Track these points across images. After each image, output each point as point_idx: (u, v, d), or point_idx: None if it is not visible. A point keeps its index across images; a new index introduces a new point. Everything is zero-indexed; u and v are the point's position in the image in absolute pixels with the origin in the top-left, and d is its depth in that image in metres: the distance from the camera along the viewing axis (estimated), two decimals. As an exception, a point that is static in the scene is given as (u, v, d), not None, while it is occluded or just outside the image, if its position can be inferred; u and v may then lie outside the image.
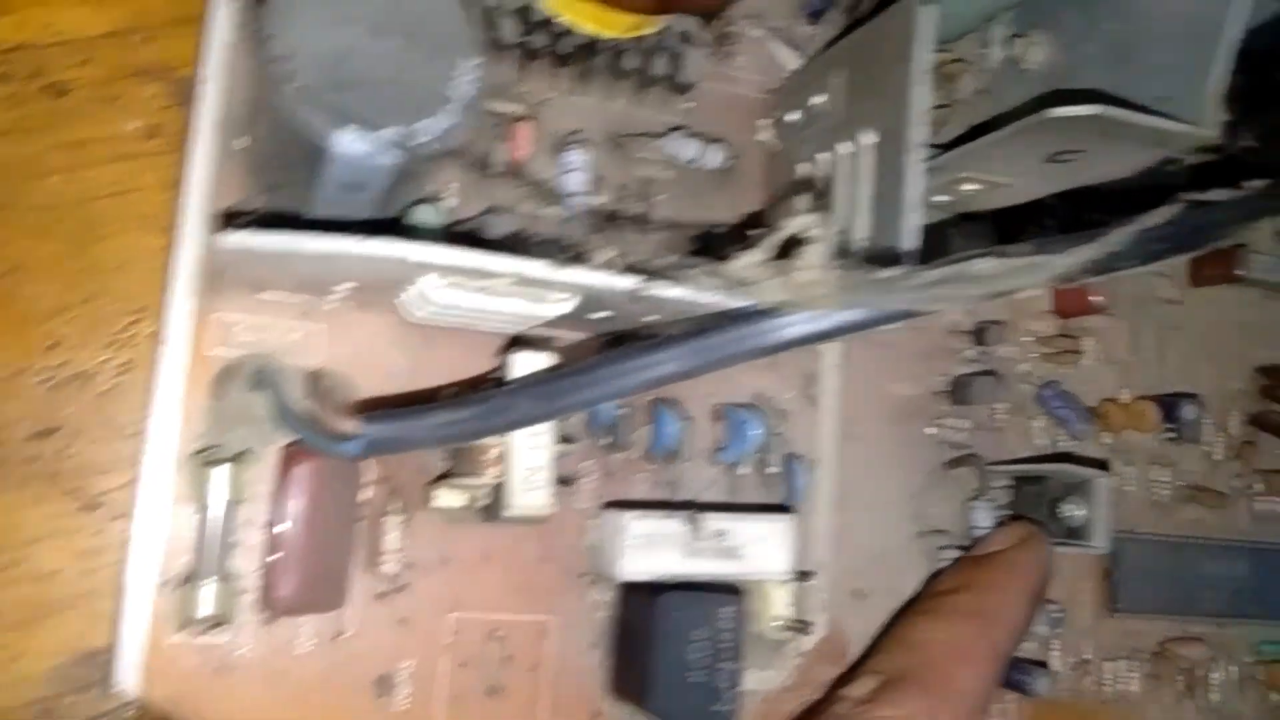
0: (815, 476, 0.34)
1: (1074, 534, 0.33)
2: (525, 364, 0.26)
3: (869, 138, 0.29)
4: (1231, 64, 0.28)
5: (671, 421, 0.31)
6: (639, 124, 0.33)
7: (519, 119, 0.31)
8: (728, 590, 0.29)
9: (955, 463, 0.35)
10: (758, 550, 0.29)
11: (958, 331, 0.36)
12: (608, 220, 0.31)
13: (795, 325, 0.23)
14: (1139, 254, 0.23)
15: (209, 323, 0.28)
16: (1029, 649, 0.36)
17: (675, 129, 0.33)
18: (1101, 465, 0.35)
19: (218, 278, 0.27)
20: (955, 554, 0.34)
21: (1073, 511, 0.33)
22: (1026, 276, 0.22)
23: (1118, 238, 0.22)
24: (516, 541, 0.31)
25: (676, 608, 0.28)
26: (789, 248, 0.22)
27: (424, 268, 0.23)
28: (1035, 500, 0.35)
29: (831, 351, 0.35)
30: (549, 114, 0.32)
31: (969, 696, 0.29)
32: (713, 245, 0.30)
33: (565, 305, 0.25)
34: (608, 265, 0.23)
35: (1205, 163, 0.30)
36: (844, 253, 0.23)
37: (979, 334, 0.36)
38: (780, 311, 0.22)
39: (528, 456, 0.26)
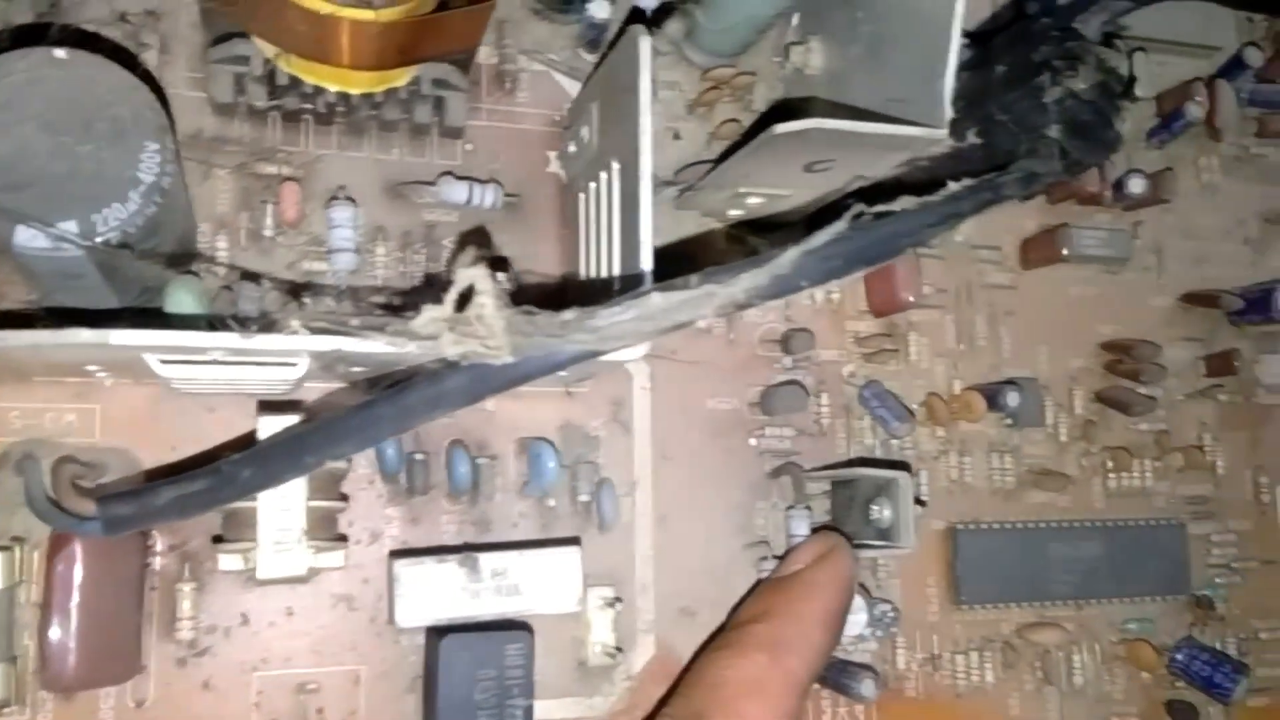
0: (634, 499, 0.34)
1: (884, 535, 0.33)
2: (268, 426, 0.27)
3: (615, 166, 0.29)
4: (958, 63, 0.28)
5: (463, 461, 0.31)
6: (417, 171, 0.34)
7: (285, 180, 0.32)
8: (518, 627, 0.29)
9: (777, 472, 0.36)
10: (541, 585, 0.30)
11: (769, 341, 0.36)
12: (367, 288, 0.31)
13: (462, 376, 0.23)
14: (815, 273, 0.23)
15: (-21, 412, 0.28)
16: (866, 650, 0.36)
17: (444, 174, 0.33)
18: (904, 466, 0.35)
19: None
20: (774, 564, 0.35)
21: (881, 513, 0.33)
22: (697, 308, 0.22)
23: (785, 261, 0.22)
24: (318, 596, 0.31)
25: (457, 650, 0.28)
26: (466, 300, 0.23)
27: (126, 349, 0.23)
28: (848, 504, 0.35)
29: (640, 374, 0.35)
30: (325, 171, 0.33)
31: None
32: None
33: (297, 369, 0.26)
34: (296, 329, 0.23)
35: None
36: (518, 300, 0.23)
37: (785, 342, 0.36)
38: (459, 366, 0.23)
39: (277, 519, 0.27)
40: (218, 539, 0.29)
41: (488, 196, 0.33)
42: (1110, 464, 0.39)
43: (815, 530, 0.35)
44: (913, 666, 0.37)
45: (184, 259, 0.29)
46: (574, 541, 0.31)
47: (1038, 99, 0.27)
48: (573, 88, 0.36)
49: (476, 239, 0.33)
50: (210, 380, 0.27)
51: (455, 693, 0.28)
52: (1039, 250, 0.40)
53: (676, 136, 0.36)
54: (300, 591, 0.31)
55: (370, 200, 0.33)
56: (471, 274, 0.22)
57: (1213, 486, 0.41)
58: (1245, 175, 0.44)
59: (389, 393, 0.24)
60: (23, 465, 0.26)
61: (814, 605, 0.31)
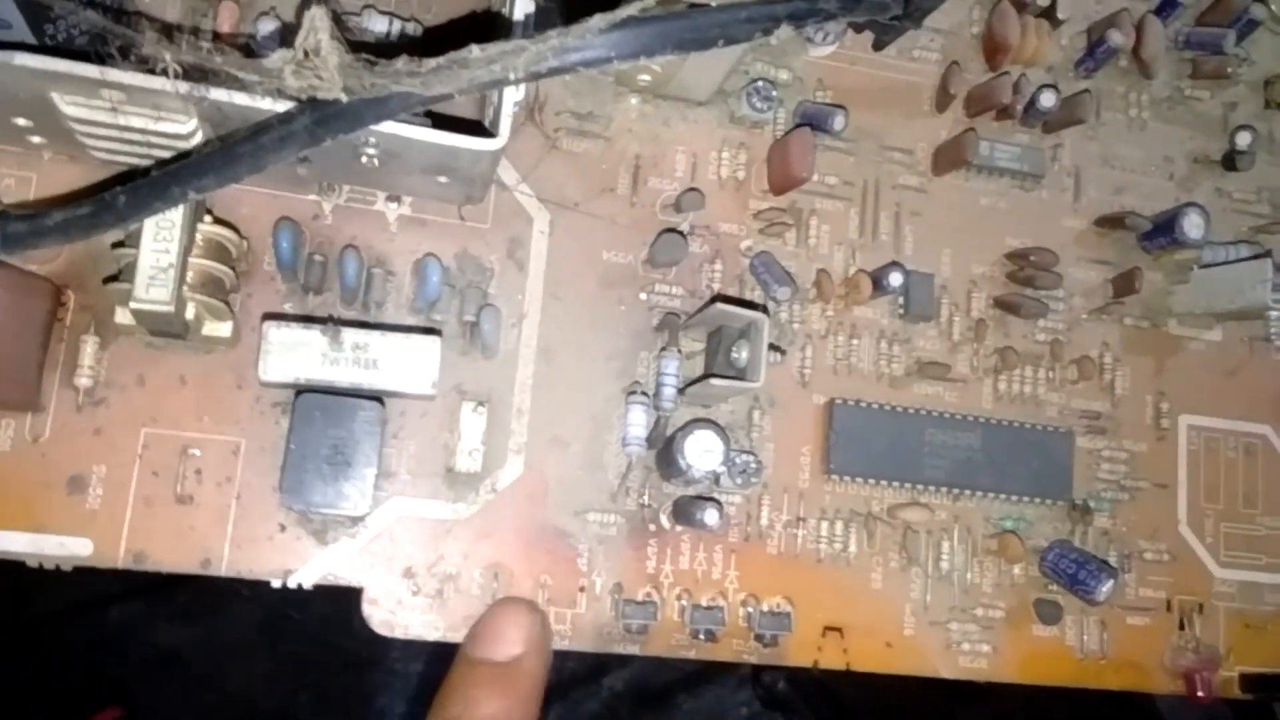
0: (521, 330, 0.37)
1: (740, 374, 0.35)
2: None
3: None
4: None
5: (353, 261, 0.34)
6: None
7: None
8: (373, 398, 0.32)
9: (660, 325, 0.38)
10: (397, 365, 0.32)
11: (668, 206, 0.39)
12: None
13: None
14: (623, 47, 0.26)
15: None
16: (727, 497, 0.37)
17: None
18: (764, 309, 0.37)
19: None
20: (642, 399, 0.37)
21: (740, 354, 0.35)
22: (510, 59, 0.25)
23: (592, 26, 0.25)
24: (210, 368, 0.34)
25: (311, 406, 0.31)
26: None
27: (26, 73, 0.27)
28: (716, 349, 0.37)
29: (540, 219, 0.38)
30: None
31: None
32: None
33: (187, 125, 0.29)
34: (168, 61, 0.26)
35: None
36: (357, 46, 0.26)
37: (677, 203, 0.38)
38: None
39: (153, 256, 0.30)
40: (110, 278, 0.32)
41: None
42: (999, 364, 0.41)
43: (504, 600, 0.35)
44: (776, 525, 0.38)
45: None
46: (436, 332, 0.34)
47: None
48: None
49: None
50: (113, 136, 0.30)
51: (306, 446, 0.31)
52: (948, 155, 0.41)
53: None
54: (192, 362, 0.34)
55: None
56: (312, 14, 0.25)
57: (1110, 405, 0.42)
58: (1176, 116, 0.45)
59: (245, 131, 0.27)
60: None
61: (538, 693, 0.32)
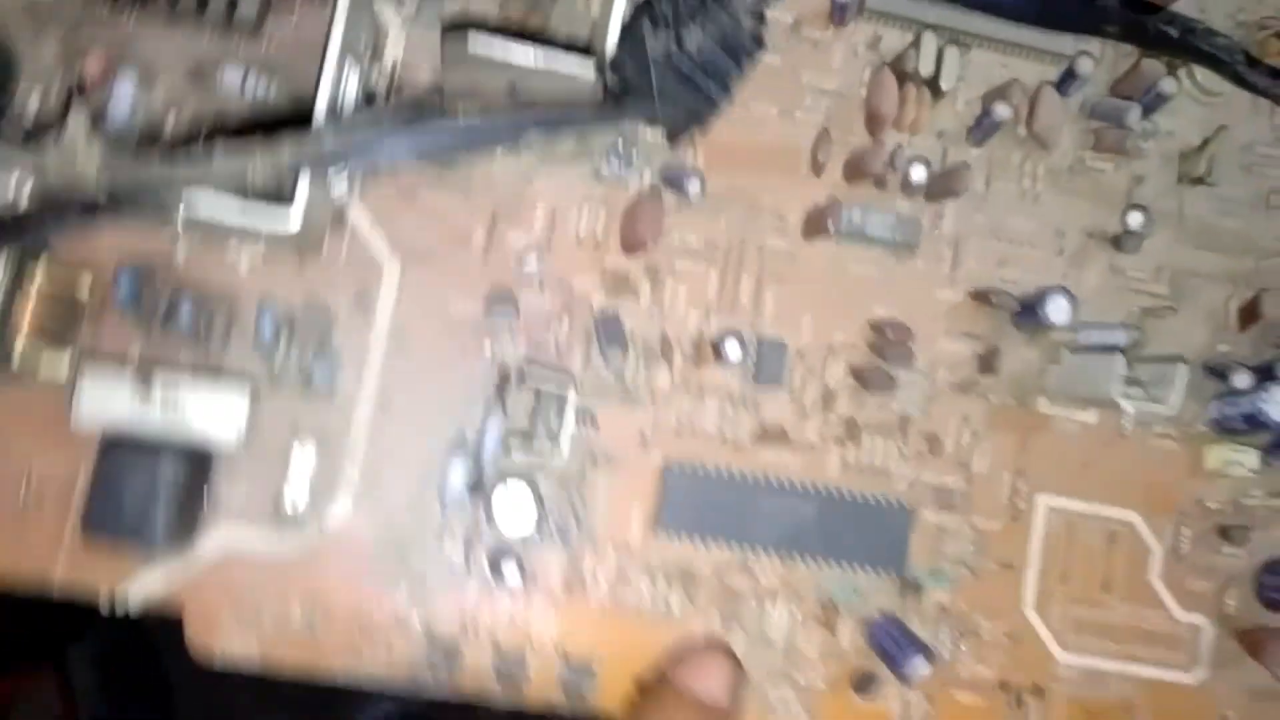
0: (361, 376, 0.39)
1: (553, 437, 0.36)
2: None
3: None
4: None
5: (187, 305, 0.36)
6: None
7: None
8: (184, 451, 0.34)
9: (498, 385, 0.39)
10: (205, 416, 0.34)
11: (522, 258, 0.40)
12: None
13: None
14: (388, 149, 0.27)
15: None
16: (549, 556, 0.39)
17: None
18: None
19: None
20: (464, 452, 0.38)
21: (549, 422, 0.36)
22: (256, 162, 0.27)
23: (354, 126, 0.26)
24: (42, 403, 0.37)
25: (117, 457, 0.33)
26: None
27: None
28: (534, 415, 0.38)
29: (390, 268, 0.39)
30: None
31: None
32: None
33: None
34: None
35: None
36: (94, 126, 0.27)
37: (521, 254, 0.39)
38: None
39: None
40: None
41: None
42: (844, 434, 0.41)
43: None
44: (600, 578, 0.39)
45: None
46: (249, 381, 0.36)
47: (640, 45, 0.29)
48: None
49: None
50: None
51: (107, 490, 0.33)
52: (815, 222, 0.41)
53: None
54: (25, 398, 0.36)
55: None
56: (72, 120, 0.27)
57: (965, 481, 0.42)
58: (1076, 188, 0.44)
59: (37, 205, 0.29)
60: None
61: None
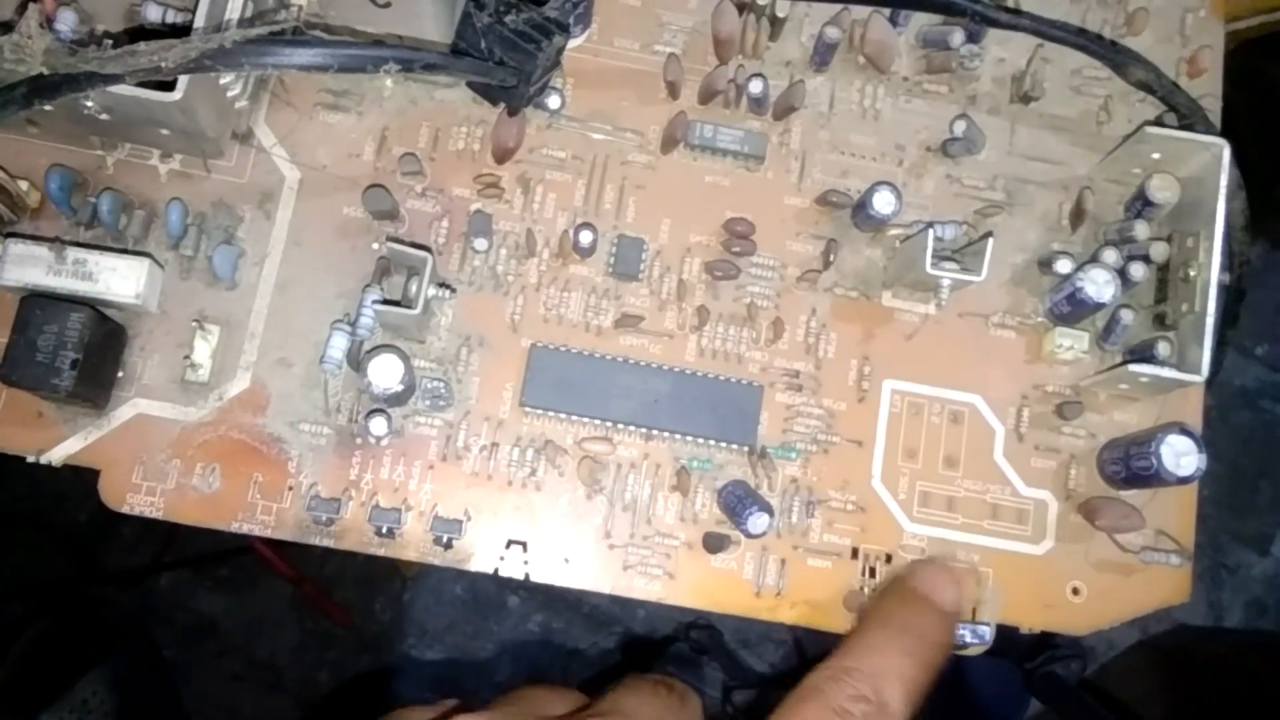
0: (262, 267, 0.44)
1: (410, 304, 0.41)
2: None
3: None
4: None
5: (107, 201, 0.42)
6: None
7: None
8: (105, 319, 0.40)
9: (375, 268, 0.44)
10: (110, 279, 0.40)
11: (410, 174, 0.45)
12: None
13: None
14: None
15: None
16: (425, 421, 0.43)
17: None
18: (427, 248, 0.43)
19: None
20: (344, 327, 0.43)
21: (411, 288, 0.41)
22: (160, 53, 0.33)
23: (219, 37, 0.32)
24: None
25: (31, 306, 0.39)
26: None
27: None
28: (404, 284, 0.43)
29: (291, 177, 0.45)
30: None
31: None
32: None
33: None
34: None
35: None
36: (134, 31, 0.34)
37: (401, 162, 0.45)
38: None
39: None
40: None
41: None
42: (696, 321, 0.45)
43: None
44: (472, 448, 0.44)
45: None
46: (148, 255, 0.42)
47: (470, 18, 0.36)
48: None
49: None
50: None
51: (26, 335, 0.39)
52: (669, 136, 0.46)
53: None
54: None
55: (105, 19, 0.45)
56: (29, 11, 0.34)
57: (814, 366, 0.46)
58: (914, 109, 0.48)
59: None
60: None
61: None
